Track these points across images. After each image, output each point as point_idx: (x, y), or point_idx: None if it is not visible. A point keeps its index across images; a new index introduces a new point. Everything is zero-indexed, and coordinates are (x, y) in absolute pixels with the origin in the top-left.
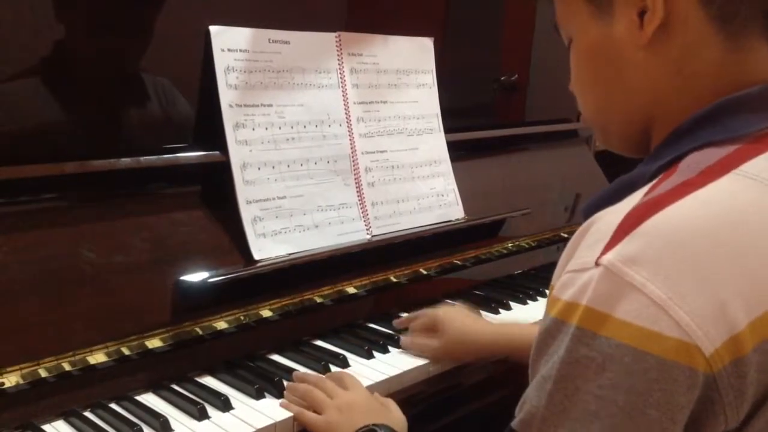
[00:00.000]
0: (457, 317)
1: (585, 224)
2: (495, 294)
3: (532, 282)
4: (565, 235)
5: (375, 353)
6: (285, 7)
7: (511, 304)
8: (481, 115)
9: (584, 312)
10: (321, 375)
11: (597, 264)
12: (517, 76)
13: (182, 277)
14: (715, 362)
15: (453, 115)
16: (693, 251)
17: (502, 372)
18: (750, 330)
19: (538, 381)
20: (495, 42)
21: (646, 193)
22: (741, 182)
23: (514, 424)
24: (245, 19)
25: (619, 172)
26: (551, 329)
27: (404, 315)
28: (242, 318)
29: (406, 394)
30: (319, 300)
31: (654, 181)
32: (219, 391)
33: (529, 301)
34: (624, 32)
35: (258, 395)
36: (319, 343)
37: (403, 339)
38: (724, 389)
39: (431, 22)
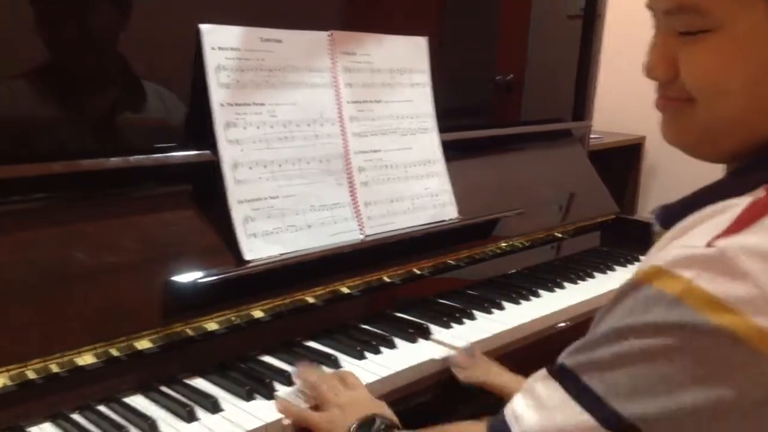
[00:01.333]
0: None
1: (695, 217)
2: (488, 294)
3: (526, 282)
4: (559, 235)
5: (367, 354)
6: (280, 6)
7: (504, 304)
8: (477, 115)
9: (686, 285)
10: (324, 372)
11: (709, 245)
12: (512, 76)
13: (172, 278)
14: None
15: (449, 115)
16: None
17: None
18: None
19: (605, 332)
20: (491, 42)
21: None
22: None
23: (570, 364)
24: (239, 18)
25: (611, 171)
26: (637, 284)
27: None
28: (233, 319)
29: (398, 395)
30: (311, 300)
31: (763, 191)
32: (208, 392)
33: (522, 301)
34: None
35: (248, 396)
36: (311, 344)
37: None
38: None
39: (428, 22)
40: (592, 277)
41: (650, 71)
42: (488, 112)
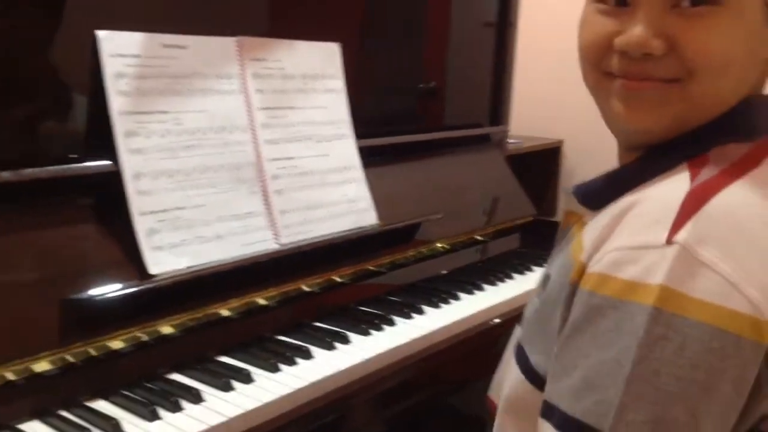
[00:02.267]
0: None
1: (621, 205)
2: (409, 299)
3: (447, 285)
4: (479, 238)
5: (281, 366)
6: (194, 14)
7: (425, 308)
8: (401, 121)
9: (661, 292)
10: None
11: (669, 242)
12: (435, 83)
13: (71, 295)
14: None
15: (374, 122)
16: (753, 231)
17: (416, 376)
18: None
19: (602, 367)
20: (415, 50)
21: (693, 178)
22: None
23: (582, 415)
24: (149, 25)
25: (531, 174)
26: (602, 307)
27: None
28: (140, 336)
29: (314, 405)
30: (225, 314)
31: (682, 169)
32: (110, 414)
33: (442, 305)
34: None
35: (152, 417)
36: (224, 359)
37: None
38: None
39: (350, 31)
40: (511, 278)
41: (643, 45)
42: (412, 118)
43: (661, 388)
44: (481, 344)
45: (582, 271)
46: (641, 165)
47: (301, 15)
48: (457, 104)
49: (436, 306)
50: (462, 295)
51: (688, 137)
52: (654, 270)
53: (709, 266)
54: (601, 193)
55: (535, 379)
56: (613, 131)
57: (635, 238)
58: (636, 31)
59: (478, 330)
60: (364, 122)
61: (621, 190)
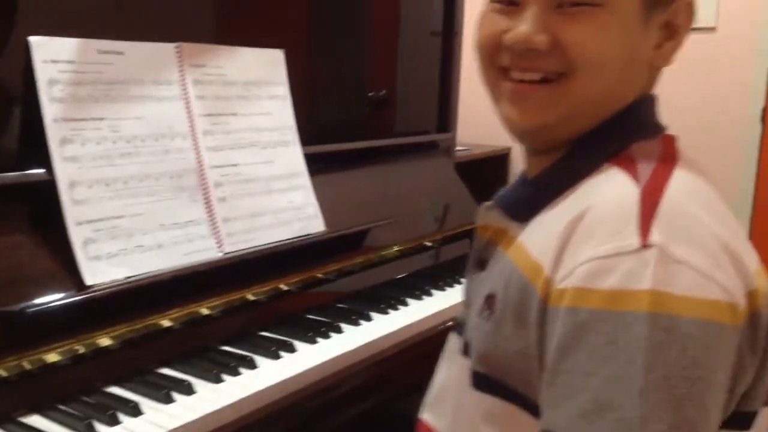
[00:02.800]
0: None
1: (569, 214)
2: (357, 306)
3: (395, 292)
4: (428, 244)
5: (224, 377)
6: (136, 20)
7: (372, 315)
8: (351, 129)
9: (652, 296)
10: None
11: (645, 246)
12: (385, 92)
13: (5, 307)
14: (743, 315)
15: (323, 130)
16: (707, 221)
17: (365, 383)
18: (758, 282)
19: (610, 384)
20: (364, 59)
21: (635, 178)
22: (689, 166)
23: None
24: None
25: (479, 181)
26: (589, 322)
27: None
28: (77, 349)
29: (258, 416)
30: (167, 324)
31: (610, 169)
32: (44, 430)
33: (390, 311)
34: (646, 43)
35: (88, 431)
36: (165, 370)
37: None
38: (743, 341)
39: (298, 38)
40: (460, 283)
41: (529, 41)
42: (361, 126)
43: (674, 392)
44: (431, 349)
45: (548, 287)
46: (562, 169)
47: (247, 23)
48: (405, 112)
49: (384, 312)
50: (410, 300)
51: (602, 137)
52: (637, 275)
53: (684, 263)
54: (528, 202)
55: (526, 403)
56: (512, 135)
57: (605, 247)
58: (522, 28)
59: (427, 335)
60: (312, 129)
61: (548, 197)
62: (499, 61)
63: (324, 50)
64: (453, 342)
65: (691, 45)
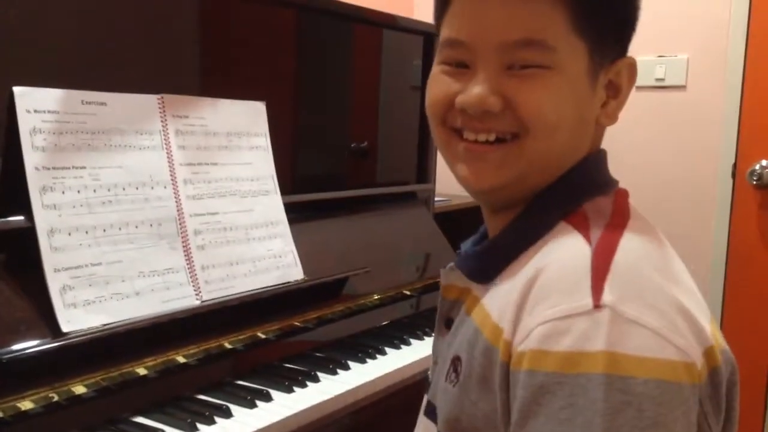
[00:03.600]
0: None
1: (525, 275)
2: (335, 355)
3: (374, 341)
4: (407, 293)
5: (199, 425)
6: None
7: (350, 363)
8: (332, 181)
9: (606, 357)
10: None
11: (597, 306)
12: (366, 143)
13: None
14: (702, 374)
15: (304, 181)
16: (659, 280)
17: (350, 428)
18: (714, 340)
19: None
20: (346, 111)
21: (587, 237)
22: (642, 222)
23: None
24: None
25: (459, 231)
26: (547, 385)
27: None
28: (51, 396)
29: None
30: (141, 372)
31: (564, 228)
32: None
33: (368, 360)
34: (595, 103)
35: None
36: (139, 419)
37: None
38: (704, 399)
39: (281, 92)
40: None
41: (482, 103)
42: (342, 176)
43: None
44: (408, 399)
45: (509, 350)
46: (519, 229)
47: (231, 75)
48: (385, 163)
49: (362, 361)
50: (388, 349)
51: (555, 196)
52: (590, 337)
53: (636, 322)
54: (488, 264)
55: None
56: (469, 194)
57: (558, 308)
58: (475, 91)
59: (404, 384)
60: (294, 179)
61: (507, 258)
62: (451, 122)
63: (307, 102)
64: (424, 402)
65: (662, 103)
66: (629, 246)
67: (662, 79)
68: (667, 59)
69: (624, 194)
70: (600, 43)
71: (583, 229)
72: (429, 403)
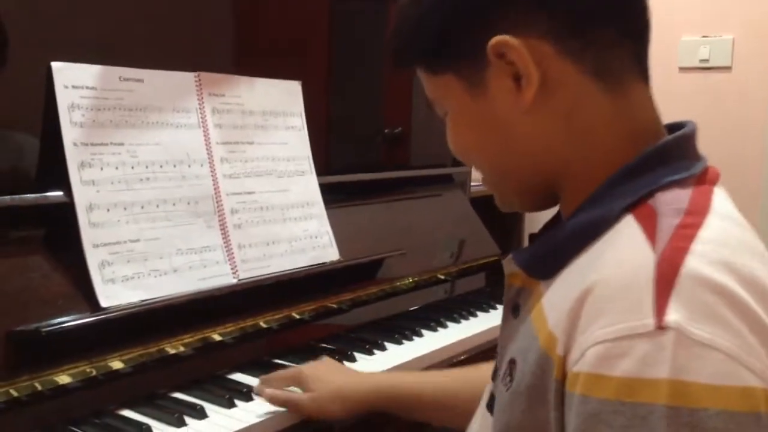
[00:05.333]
0: (325, 371)
1: (580, 285)
2: (371, 336)
3: (410, 323)
4: (442, 277)
5: (237, 402)
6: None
7: (387, 344)
8: (367, 163)
9: (671, 387)
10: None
11: (661, 327)
12: (401, 129)
13: (19, 327)
14: None
15: (339, 164)
16: (731, 295)
17: (378, 414)
18: None
19: None
20: (380, 95)
21: (653, 242)
22: (722, 221)
23: None
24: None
25: (495, 216)
26: (601, 414)
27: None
28: (89, 371)
29: None
30: (179, 349)
31: (630, 224)
32: None
33: (404, 341)
34: (504, 101)
35: None
36: (177, 395)
37: (265, 390)
38: None
39: (317, 74)
40: (475, 316)
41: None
42: (377, 161)
43: None
44: None
45: (563, 368)
46: (580, 221)
47: (267, 55)
48: (421, 148)
49: (398, 342)
50: (425, 331)
51: (620, 184)
52: (652, 362)
53: (708, 345)
54: (545, 261)
55: None
56: None
57: (615, 327)
58: None
59: (442, 366)
60: (329, 161)
61: (567, 255)
62: None
63: (342, 84)
64: (487, 389)
65: (707, 84)
66: (702, 252)
67: (707, 60)
68: (711, 40)
69: (709, 181)
70: (461, 62)
71: (649, 228)
72: (491, 396)
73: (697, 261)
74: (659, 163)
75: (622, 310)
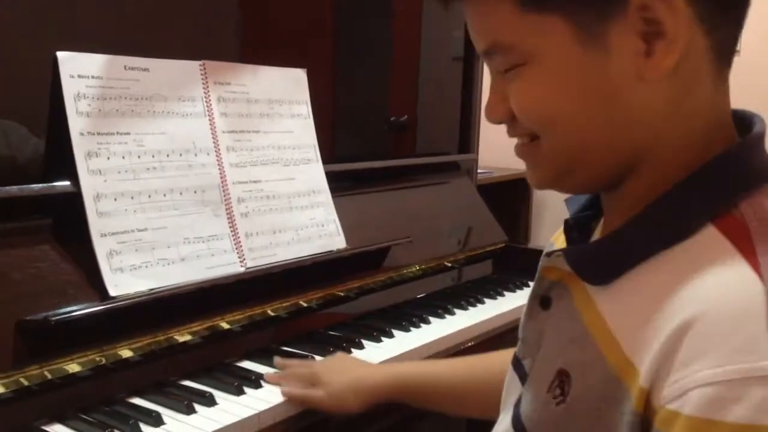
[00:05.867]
0: (339, 366)
1: (682, 318)
2: (379, 323)
3: (417, 310)
4: (449, 264)
5: (246, 389)
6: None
7: (394, 332)
8: (373, 151)
9: None
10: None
11: None
12: (406, 117)
13: (28, 317)
14: None
15: (346, 151)
16: None
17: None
18: None
19: None
20: (386, 83)
21: (752, 262)
22: None
23: None
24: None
25: (502, 203)
26: None
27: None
28: (98, 360)
29: (280, 428)
30: (187, 338)
31: (715, 236)
32: None
33: (412, 329)
34: (623, 62)
35: None
36: (186, 382)
37: (281, 389)
38: None
39: (322, 62)
40: (482, 302)
41: (488, 115)
42: (383, 149)
43: None
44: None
45: (647, 402)
46: (650, 225)
47: (272, 44)
48: (427, 136)
49: (406, 330)
50: (432, 319)
51: (698, 187)
52: None
53: None
54: (606, 264)
55: None
56: None
57: (728, 369)
58: (487, 102)
59: (450, 353)
60: (335, 149)
61: (633, 260)
62: None
63: (348, 72)
64: (513, 384)
65: None
66: None
67: None
68: None
69: None
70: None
71: (745, 247)
72: (519, 399)
73: None
74: (739, 167)
75: (733, 350)
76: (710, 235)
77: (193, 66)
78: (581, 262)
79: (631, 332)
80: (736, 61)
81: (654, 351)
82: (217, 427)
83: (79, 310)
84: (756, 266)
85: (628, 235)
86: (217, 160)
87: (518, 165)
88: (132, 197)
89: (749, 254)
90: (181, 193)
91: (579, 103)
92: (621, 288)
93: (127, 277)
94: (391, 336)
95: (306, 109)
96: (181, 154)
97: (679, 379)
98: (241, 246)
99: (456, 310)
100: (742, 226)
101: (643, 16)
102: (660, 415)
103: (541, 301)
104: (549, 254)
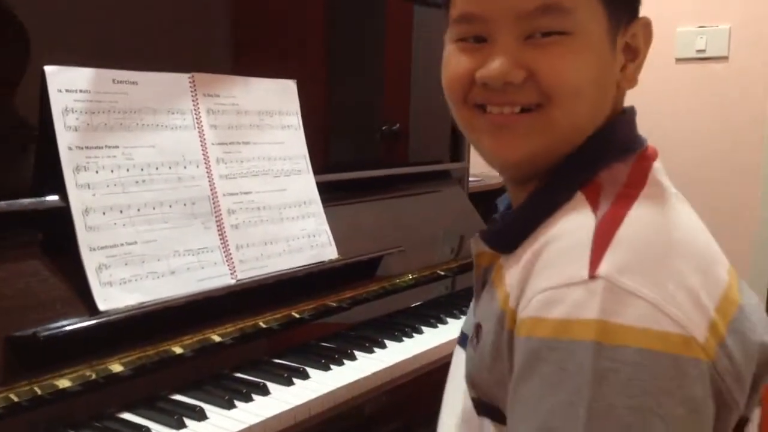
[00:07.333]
0: None
1: (532, 247)
2: (371, 334)
3: (410, 320)
4: (442, 273)
5: (237, 402)
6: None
7: (387, 342)
8: (365, 161)
9: (598, 325)
10: None
11: (593, 277)
12: (398, 125)
13: (17, 332)
14: (710, 349)
15: (337, 162)
16: (661, 253)
17: (380, 410)
18: (717, 314)
19: (557, 411)
20: (378, 92)
21: (595, 209)
22: (657, 190)
23: None
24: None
25: (493, 211)
26: (540, 350)
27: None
28: (88, 374)
29: None
30: (178, 351)
31: (579, 198)
32: None
33: (404, 339)
34: (616, 69)
35: None
36: (177, 396)
37: None
38: (723, 373)
39: (314, 72)
40: None
41: (504, 76)
42: (375, 158)
43: (619, 421)
44: (445, 376)
45: (513, 318)
46: (538, 200)
47: (264, 54)
48: (418, 144)
49: (398, 340)
50: (425, 328)
51: (573, 165)
52: (584, 305)
53: (633, 293)
54: (508, 236)
55: None
56: (494, 168)
57: (556, 278)
58: (496, 64)
59: (441, 362)
60: (326, 159)
61: (527, 230)
62: (473, 99)
63: (339, 81)
64: (458, 356)
65: (703, 75)
66: (637, 217)
67: (703, 51)
68: (708, 29)
69: (647, 158)
70: (616, 3)
71: (593, 200)
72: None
73: (632, 225)
74: (603, 144)
75: (563, 264)
76: (577, 198)
77: (182, 78)
78: (492, 236)
79: (512, 272)
80: (725, 66)
81: (518, 277)
82: None
83: (68, 325)
84: (595, 208)
85: (523, 212)
86: (207, 172)
87: None
88: (121, 211)
89: (594, 202)
90: (170, 206)
91: (597, 87)
92: (518, 251)
93: (116, 291)
94: (383, 346)
95: (296, 119)
96: (170, 167)
97: (528, 294)
98: (231, 258)
99: (449, 320)
100: (597, 186)
101: (627, 42)
102: (517, 326)
103: (482, 285)
104: (473, 241)
